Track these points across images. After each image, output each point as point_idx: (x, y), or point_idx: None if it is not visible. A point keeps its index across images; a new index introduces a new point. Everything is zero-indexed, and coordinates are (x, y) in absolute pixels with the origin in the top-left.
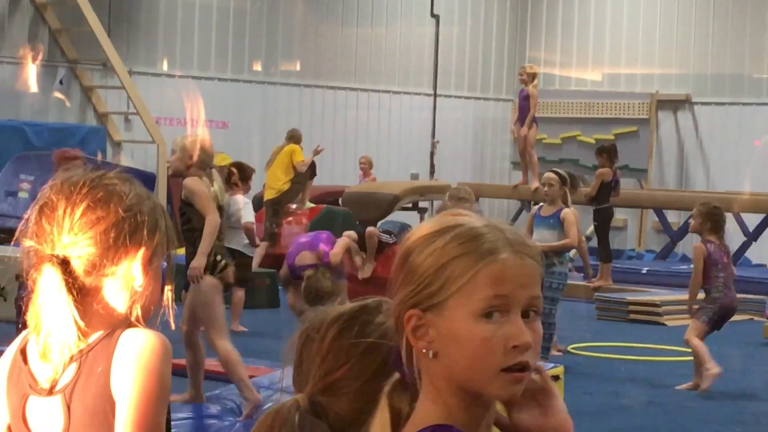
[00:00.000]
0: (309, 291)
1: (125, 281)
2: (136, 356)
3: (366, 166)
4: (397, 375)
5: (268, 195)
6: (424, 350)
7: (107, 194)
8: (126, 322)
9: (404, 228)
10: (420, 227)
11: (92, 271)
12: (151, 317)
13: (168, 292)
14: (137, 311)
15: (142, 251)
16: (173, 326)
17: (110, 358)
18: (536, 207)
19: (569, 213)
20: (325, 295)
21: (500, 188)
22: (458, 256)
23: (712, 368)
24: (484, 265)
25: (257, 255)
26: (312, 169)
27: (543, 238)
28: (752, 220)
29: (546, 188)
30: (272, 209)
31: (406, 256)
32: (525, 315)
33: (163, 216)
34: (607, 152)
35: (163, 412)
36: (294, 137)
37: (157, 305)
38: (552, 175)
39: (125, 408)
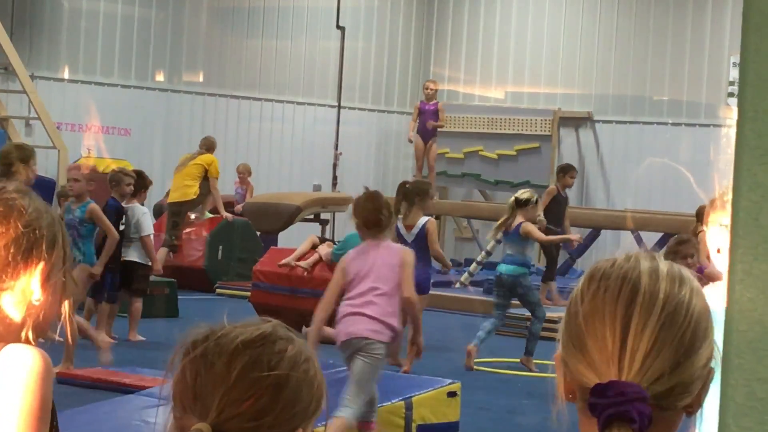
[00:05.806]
0: None
1: (23, 296)
2: (15, 374)
3: (244, 175)
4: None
5: (173, 198)
6: None
7: (7, 209)
8: (16, 336)
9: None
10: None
11: None
12: (49, 331)
13: (66, 306)
14: (28, 328)
15: (41, 266)
16: (71, 340)
17: None
18: None
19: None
20: None
21: None
22: None
23: None
24: None
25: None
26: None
27: None
28: (650, 238)
29: None
30: (174, 215)
31: None
32: None
33: (60, 230)
34: None
35: (43, 430)
36: (209, 147)
37: (55, 319)
38: None
39: (3, 425)
